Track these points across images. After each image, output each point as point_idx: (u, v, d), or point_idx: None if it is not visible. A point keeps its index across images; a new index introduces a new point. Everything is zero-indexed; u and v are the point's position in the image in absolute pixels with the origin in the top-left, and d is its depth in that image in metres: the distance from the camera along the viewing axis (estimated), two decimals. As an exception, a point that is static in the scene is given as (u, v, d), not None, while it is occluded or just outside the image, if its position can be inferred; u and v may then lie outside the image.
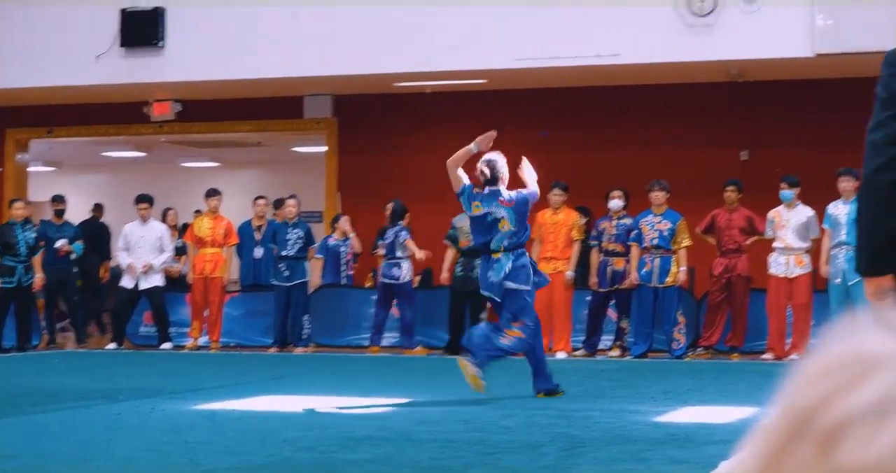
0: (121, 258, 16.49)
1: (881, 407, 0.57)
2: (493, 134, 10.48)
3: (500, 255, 9.92)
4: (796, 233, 14.24)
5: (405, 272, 15.61)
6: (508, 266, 9.86)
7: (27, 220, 16.16)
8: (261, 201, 17.19)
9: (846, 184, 13.52)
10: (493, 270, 9.91)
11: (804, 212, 14.30)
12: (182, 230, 17.75)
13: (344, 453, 6.81)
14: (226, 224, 16.64)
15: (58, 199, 17.32)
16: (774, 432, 0.61)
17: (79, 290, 17.35)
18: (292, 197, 16.49)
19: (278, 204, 17.15)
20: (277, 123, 19.32)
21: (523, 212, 10.13)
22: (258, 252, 16.79)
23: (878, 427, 0.57)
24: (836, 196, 14.06)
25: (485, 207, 10.05)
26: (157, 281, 16.34)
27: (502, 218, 9.97)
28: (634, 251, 14.64)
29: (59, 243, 16.59)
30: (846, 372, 0.59)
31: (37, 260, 15.98)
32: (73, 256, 16.86)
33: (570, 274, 14.99)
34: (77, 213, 18.64)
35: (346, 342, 16.22)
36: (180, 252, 17.23)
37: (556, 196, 15.03)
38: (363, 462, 6.49)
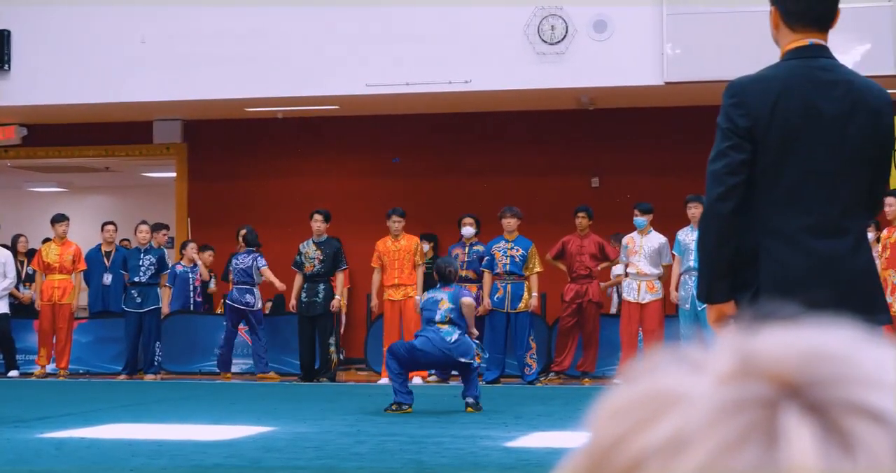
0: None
1: (673, 446, 0.57)
2: None
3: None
4: (649, 260, 14.48)
5: (257, 298, 15.56)
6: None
7: None
8: (109, 227, 16.96)
9: (695, 210, 13.62)
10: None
11: (657, 239, 14.55)
12: (30, 256, 17.44)
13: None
14: (74, 250, 16.38)
15: None
16: (575, 469, 0.63)
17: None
18: (143, 222, 16.32)
19: (157, 228, 16.76)
20: (126, 148, 19.12)
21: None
22: (107, 278, 16.56)
23: (669, 466, 0.57)
24: (685, 222, 14.34)
25: None
26: (2, 308, 16.03)
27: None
28: (487, 277, 14.77)
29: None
30: (642, 410, 0.60)
31: None
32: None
33: (418, 298, 15.05)
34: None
35: (196, 368, 16.07)
36: (32, 279, 16.92)
37: (395, 223, 15.11)
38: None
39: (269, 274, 15.53)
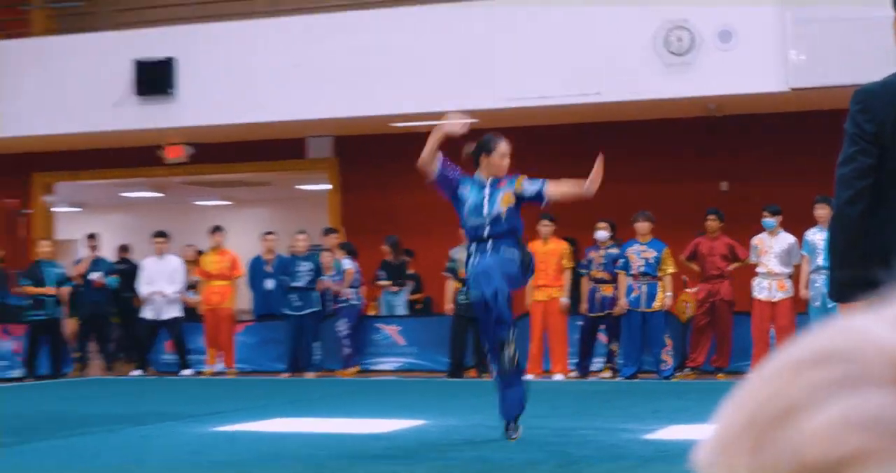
0: (142, 289, 16.57)
1: (842, 386, 0.59)
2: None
3: None
4: (779, 259, 14.29)
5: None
6: None
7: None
8: (269, 236, 17.24)
9: (822, 211, 13.47)
10: None
11: (786, 239, 14.35)
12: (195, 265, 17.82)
13: (353, 470, 6.86)
14: (230, 257, 16.71)
15: (92, 236, 17.49)
16: (734, 416, 0.65)
17: (110, 322, 17.41)
18: (301, 232, 16.59)
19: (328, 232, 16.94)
20: (282, 164, 19.40)
21: None
22: (269, 283, 16.84)
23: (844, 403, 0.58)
24: (812, 223, 14.12)
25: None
26: (175, 312, 16.44)
27: None
28: (622, 278, 14.69)
29: (94, 276, 16.73)
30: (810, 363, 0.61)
31: (64, 291, 16.13)
32: (107, 288, 16.99)
33: (564, 300, 15.04)
34: (102, 250, 18.66)
35: (364, 366, 16.25)
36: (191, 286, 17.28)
37: (544, 227, 15.10)
38: (371, 479, 6.55)
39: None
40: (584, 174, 16.91)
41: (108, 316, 17.23)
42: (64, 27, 19.59)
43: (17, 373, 16.13)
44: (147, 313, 16.48)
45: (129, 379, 16.06)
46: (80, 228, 22.02)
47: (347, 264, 16.17)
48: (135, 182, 21.56)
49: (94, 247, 17.44)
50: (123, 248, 20.41)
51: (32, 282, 15.92)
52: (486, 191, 8.37)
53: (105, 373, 16.85)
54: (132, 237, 22.35)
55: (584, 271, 15.14)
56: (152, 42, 17.39)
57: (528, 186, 8.39)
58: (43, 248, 16.35)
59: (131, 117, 17.39)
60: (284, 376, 15.85)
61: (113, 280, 17.06)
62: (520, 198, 8.35)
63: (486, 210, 8.26)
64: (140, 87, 17.22)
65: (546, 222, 15.09)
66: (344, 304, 16.03)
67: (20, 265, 17.59)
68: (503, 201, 8.29)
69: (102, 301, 16.95)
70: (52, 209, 20.79)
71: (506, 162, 8.51)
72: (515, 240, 8.31)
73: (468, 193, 8.34)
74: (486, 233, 8.21)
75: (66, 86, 17.74)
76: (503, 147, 8.59)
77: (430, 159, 8.59)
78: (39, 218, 20.02)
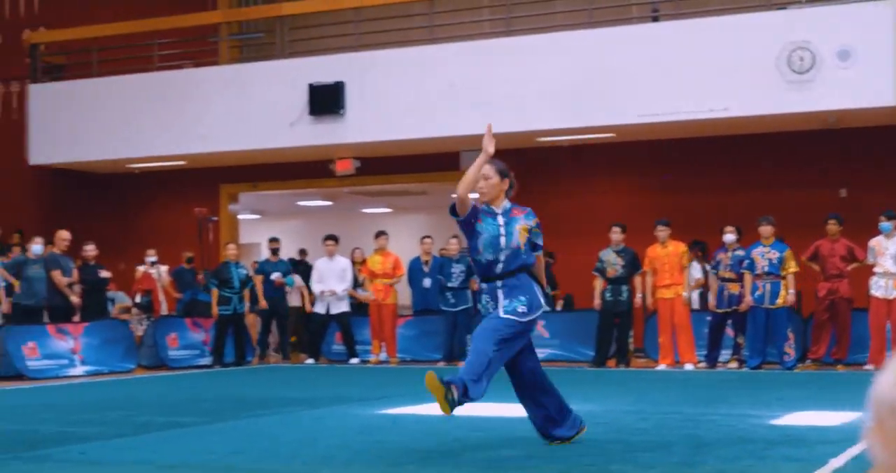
0: (315, 287, 16.83)
1: None
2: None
3: None
4: (894, 260, 13.93)
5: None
6: None
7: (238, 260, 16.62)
8: (427, 240, 17.33)
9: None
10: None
11: (903, 241, 14.01)
12: (363, 264, 18.04)
13: (504, 450, 6.85)
14: (393, 259, 16.86)
15: (273, 240, 17.85)
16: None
17: (288, 316, 17.69)
18: (454, 236, 16.64)
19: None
20: (438, 175, 19.49)
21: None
22: (426, 282, 16.94)
23: None
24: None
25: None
26: (344, 307, 16.66)
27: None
28: (747, 277, 14.45)
29: (274, 276, 17.06)
30: None
31: (248, 292, 16.47)
32: (286, 288, 17.30)
33: (686, 295, 14.92)
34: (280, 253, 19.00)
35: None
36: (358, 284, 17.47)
37: (661, 231, 15.00)
38: (521, 458, 6.52)
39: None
40: (713, 181, 16.64)
41: (286, 311, 17.52)
42: (247, 56, 20.02)
43: (205, 361, 16.51)
44: (319, 308, 16.74)
45: (303, 366, 16.31)
46: (261, 233, 22.49)
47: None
48: (308, 192, 21.89)
49: (274, 250, 17.78)
50: (302, 251, 20.80)
51: (219, 281, 16.28)
52: (500, 220, 6.89)
53: (282, 362, 17.14)
54: (305, 241, 22.76)
55: (713, 271, 14.94)
56: (324, 68, 17.67)
57: (537, 239, 6.99)
58: (229, 251, 16.72)
59: (306, 135, 17.70)
60: (440, 365, 15.91)
61: (290, 279, 17.37)
62: (529, 239, 6.92)
63: (503, 242, 6.81)
64: (313, 108, 17.51)
65: (662, 227, 14.99)
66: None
67: (209, 266, 18.03)
68: (521, 232, 6.89)
69: (281, 297, 17.26)
70: (237, 216, 21.24)
71: (484, 184, 6.85)
72: (529, 275, 6.88)
73: (483, 225, 6.83)
74: (499, 269, 6.80)
75: (249, 108, 18.13)
76: (485, 170, 6.81)
77: (474, 185, 6.73)
78: (225, 224, 20.47)
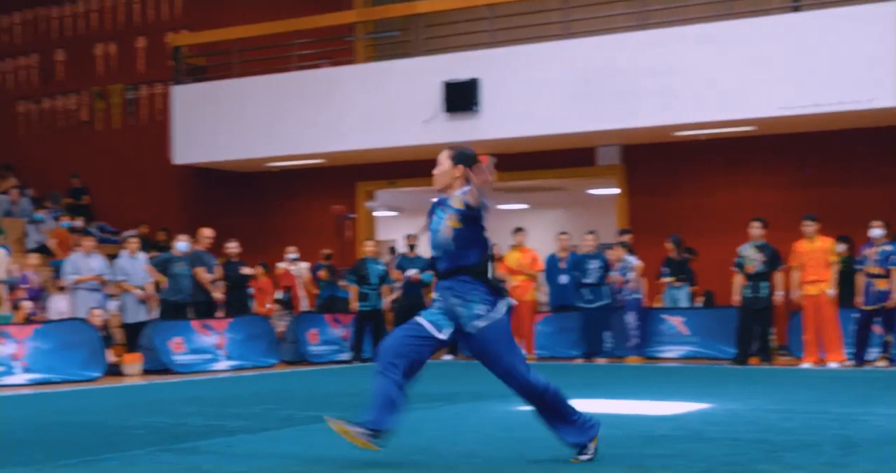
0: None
1: None
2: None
3: None
4: None
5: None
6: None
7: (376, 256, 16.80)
8: (563, 236, 17.25)
9: None
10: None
11: None
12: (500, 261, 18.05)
13: (645, 448, 6.78)
14: (531, 255, 16.82)
15: (410, 236, 17.96)
16: None
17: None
18: (590, 232, 16.55)
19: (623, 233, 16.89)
20: (574, 170, 19.41)
21: None
22: (563, 278, 16.86)
23: None
24: None
25: None
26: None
27: None
28: (894, 273, 14.05)
29: (411, 272, 17.18)
30: None
31: (386, 287, 16.63)
32: (423, 284, 17.42)
33: (831, 292, 14.53)
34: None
35: (650, 354, 16.11)
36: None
37: (808, 226, 14.65)
38: (662, 457, 6.44)
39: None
40: (857, 174, 16.25)
41: (423, 306, 17.62)
42: (382, 55, 20.19)
43: (344, 357, 16.73)
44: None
45: (441, 362, 16.38)
46: (397, 230, 22.66)
47: (634, 260, 16.02)
48: (443, 189, 21.95)
49: (411, 246, 17.91)
50: (392, 250, 20.92)
51: (358, 278, 16.46)
52: (434, 214, 6.11)
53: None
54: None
55: (859, 267, 14.55)
56: (459, 65, 17.74)
57: (460, 194, 5.95)
58: (367, 248, 16.91)
59: (441, 132, 17.78)
60: (578, 361, 15.87)
61: (427, 275, 17.45)
62: (466, 216, 5.89)
63: (432, 239, 6.05)
64: (448, 105, 17.59)
65: (809, 222, 14.63)
66: (630, 297, 15.91)
67: (347, 262, 18.24)
68: (447, 224, 5.95)
69: (418, 293, 17.37)
70: (374, 213, 21.46)
71: (436, 171, 6.12)
72: (471, 278, 5.93)
73: (433, 219, 6.12)
74: (439, 268, 6.04)
75: (385, 106, 18.30)
76: (439, 155, 6.15)
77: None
78: (363, 221, 20.70)
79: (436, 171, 6.10)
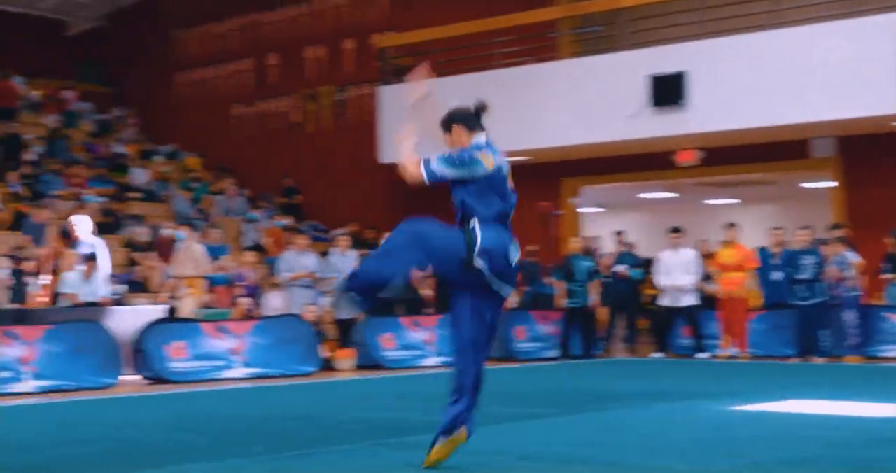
0: (659, 280, 16.71)
1: None
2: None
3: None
4: None
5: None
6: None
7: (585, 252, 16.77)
8: (777, 231, 16.81)
9: None
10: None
11: None
12: (710, 257, 17.76)
13: (869, 451, 6.57)
14: (744, 251, 16.48)
15: (619, 233, 17.84)
16: None
17: (635, 309, 17.69)
18: (805, 227, 16.12)
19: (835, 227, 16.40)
20: (786, 164, 18.92)
21: None
22: (776, 275, 16.44)
23: None
24: None
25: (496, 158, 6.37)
26: (690, 300, 16.45)
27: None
28: None
29: (620, 268, 17.10)
30: None
31: (593, 284, 16.58)
32: (632, 280, 17.32)
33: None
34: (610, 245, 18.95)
35: (871, 353, 15.56)
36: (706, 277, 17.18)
37: None
38: (887, 459, 6.24)
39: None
40: None
41: (633, 304, 17.51)
42: (586, 50, 20.11)
43: (552, 354, 16.75)
44: (664, 301, 16.62)
45: (650, 360, 16.25)
46: (603, 226, 22.55)
47: (853, 257, 15.50)
48: (651, 184, 21.77)
49: (621, 243, 17.81)
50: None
51: (564, 274, 16.46)
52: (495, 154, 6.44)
53: (629, 355, 17.15)
54: (647, 233, 22.65)
55: None
56: (665, 58, 17.53)
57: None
58: (574, 244, 16.88)
59: (647, 126, 17.63)
60: (794, 360, 15.46)
61: (637, 272, 17.35)
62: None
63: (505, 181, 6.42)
64: (655, 99, 17.41)
65: None
66: (849, 294, 15.40)
67: (552, 259, 18.24)
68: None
69: (627, 290, 17.27)
70: (579, 209, 21.40)
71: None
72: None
73: None
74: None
75: (589, 101, 18.24)
76: None
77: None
78: (568, 217, 20.67)
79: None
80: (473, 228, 5.87)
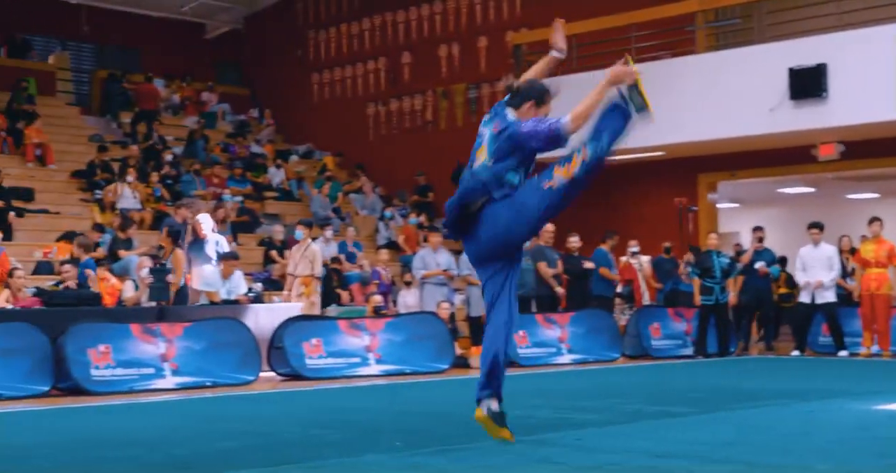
0: (798, 276, 16.39)
1: None
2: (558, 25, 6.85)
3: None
4: None
5: None
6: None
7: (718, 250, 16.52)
8: (922, 227, 16.35)
9: None
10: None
11: None
12: (851, 253, 17.36)
13: None
14: (888, 246, 16.03)
15: (757, 229, 17.50)
16: None
17: (773, 307, 17.41)
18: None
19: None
20: (934, 157, 18.42)
21: (506, 147, 6.36)
22: (920, 271, 15.98)
23: None
24: None
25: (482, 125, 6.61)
26: (830, 296, 16.09)
27: (483, 145, 6.49)
28: None
29: (758, 265, 16.82)
30: None
31: (730, 281, 16.34)
32: (770, 278, 17.04)
33: None
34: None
35: None
36: (853, 273, 16.78)
37: None
38: None
39: None
40: None
41: (771, 302, 17.22)
42: (723, 43, 19.82)
43: (687, 352, 16.55)
44: (804, 298, 16.28)
45: (788, 358, 15.94)
46: (740, 222, 22.20)
47: None
48: (790, 179, 21.36)
49: (759, 239, 17.49)
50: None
51: (701, 271, 16.24)
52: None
53: (765, 353, 16.85)
54: (787, 229, 22.22)
55: None
56: (804, 51, 17.19)
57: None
58: (711, 240, 16.65)
59: (785, 120, 17.32)
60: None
61: (775, 269, 17.04)
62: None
63: None
64: (794, 92, 17.08)
65: None
66: None
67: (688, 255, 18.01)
68: None
69: (765, 287, 16.96)
70: (716, 205, 21.11)
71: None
72: None
73: None
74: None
75: (727, 95, 17.98)
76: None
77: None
78: (704, 213, 20.40)
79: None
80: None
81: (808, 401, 9.41)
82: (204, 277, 14.67)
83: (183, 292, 14.32)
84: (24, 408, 10.00)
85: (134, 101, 24.15)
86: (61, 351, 11.38)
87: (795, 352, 16.30)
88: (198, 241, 14.95)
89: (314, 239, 17.09)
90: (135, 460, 6.40)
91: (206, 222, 15.08)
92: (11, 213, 17.71)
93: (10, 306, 12.70)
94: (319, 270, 15.94)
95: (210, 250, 14.82)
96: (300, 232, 16.39)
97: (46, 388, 11.21)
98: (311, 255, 15.89)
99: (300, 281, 15.78)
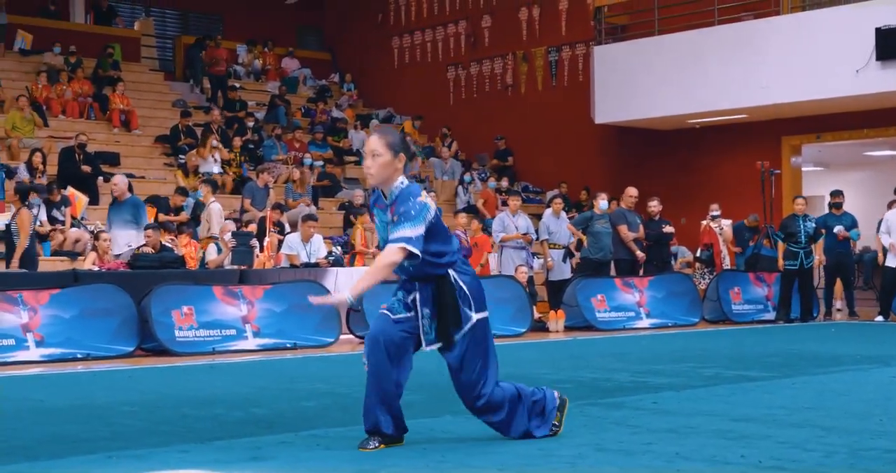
0: (883, 240, 16.10)
1: None
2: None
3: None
4: None
5: None
6: None
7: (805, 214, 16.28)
8: None
9: None
10: None
11: None
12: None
13: None
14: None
15: (836, 194, 17.22)
16: None
17: (854, 271, 17.17)
18: None
19: None
20: None
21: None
22: None
23: None
24: None
25: None
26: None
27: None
28: None
29: (837, 229, 16.56)
30: None
31: (817, 245, 16.11)
32: (851, 241, 16.78)
33: None
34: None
35: None
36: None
37: None
38: None
39: None
40: None
41: (851, 266, 16.96)
42: (809, 4, 19.48)
43: (768, 316, 16.38)
44: (891, 262, 15.98)
45: (872, 323, 15.70)
46: (825, 185, 21.84)
47: None
48: (877, 141, 20.97)
49: (837, 204, 17.14)
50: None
51: (786, 235, 16.03)
52: (390, 213, 5.41)
53: (849, 318, 16.63)
54: (873, 193, 21.83)
55: None
56: (891, 11, 16.84)
57: (394, 230, 5.30)
58: (797, 205, 16.39)
59: (872, 81, 17.05)
60: None
61: (855, 233, 16.75)
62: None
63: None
64: (881, 53, 16.76)
65: None
66: None
67: (770, 220, 17.80)
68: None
69: (846, 251, 16.70)
70: (800, 169, 20.81)
71: (369, 163, 5.31)
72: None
73: (377, 223, 5.61)
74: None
75: (812, 57, 17.71)
76: (373, 144, 5.33)
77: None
78: (788, 177, 20.12)
79: (371, 163, 5.28)
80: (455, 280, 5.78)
81: (890, 367, 9.29)
82: (286, 241, 14.80)
83: (28, 254, 13.57)
84: (110, 368, 10.21)
85: (206, 66, 24.23)
86: (146, 312, 11.58)
87: (879, 318, 16.05)
88: (115, 202, 14.49)
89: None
90: (216, 418, 6.51)
91: (121, 183, 14.57)
92: (100, 178, 18.01)
93: (96, 268, 12.94)
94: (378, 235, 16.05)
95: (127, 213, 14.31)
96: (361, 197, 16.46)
97: (131, 348, 11.43)
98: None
99: (357, 248, 15.92)
